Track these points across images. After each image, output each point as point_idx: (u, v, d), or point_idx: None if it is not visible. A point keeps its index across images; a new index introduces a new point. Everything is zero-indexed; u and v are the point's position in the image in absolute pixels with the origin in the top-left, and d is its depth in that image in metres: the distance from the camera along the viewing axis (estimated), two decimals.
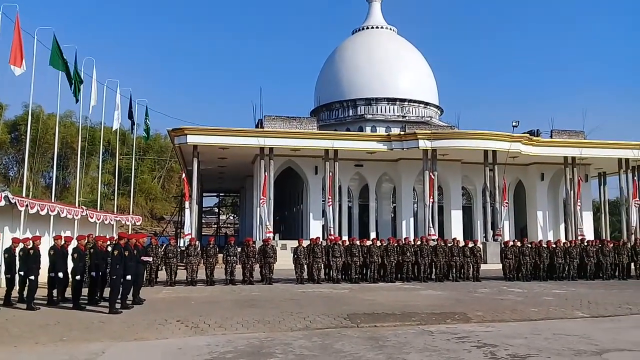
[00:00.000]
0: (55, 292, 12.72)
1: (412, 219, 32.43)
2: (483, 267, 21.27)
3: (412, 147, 29.03)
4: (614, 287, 17.62)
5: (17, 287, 12.81)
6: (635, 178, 32.93)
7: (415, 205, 33.08)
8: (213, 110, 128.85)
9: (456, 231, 31.24)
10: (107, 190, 48.45)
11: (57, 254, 12.61)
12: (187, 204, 27.96)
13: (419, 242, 20.17)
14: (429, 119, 39.36)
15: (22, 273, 12.43)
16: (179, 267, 18.09)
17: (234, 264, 18.03)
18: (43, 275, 12.62)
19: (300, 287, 16.94)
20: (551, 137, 31.89)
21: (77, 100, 21.58)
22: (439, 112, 41.89)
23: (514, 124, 30.44)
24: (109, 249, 13.27)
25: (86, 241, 13.37)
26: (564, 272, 20.42)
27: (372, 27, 43.09)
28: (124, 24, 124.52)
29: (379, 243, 19.53)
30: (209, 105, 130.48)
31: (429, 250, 19.49)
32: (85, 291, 12.79)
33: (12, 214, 15.31)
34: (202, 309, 11.89)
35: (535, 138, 30.96)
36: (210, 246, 18.28)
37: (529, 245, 20.68)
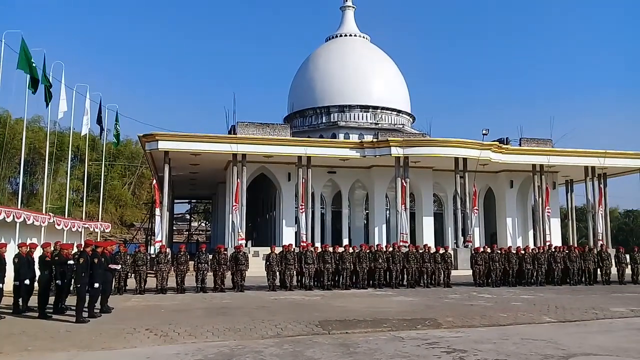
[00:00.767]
0: (20, 300, 12.43)
1: (384, 226, 32.63)
2: (454, 273, 21.52)
3: (384, 155, 29.26)
4: (581, 293, 17.98)
5: None
6: (601, 185, 33.85)
7: (387, 212, 33.30)
8: (185, 116, 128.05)
9: (428, 238, 31.50)
10: (76, 196, 47.58)
11: (22, 262, 12.34)
12: (157, 211, 27.58)
13: (390, 249, 20.32)
14: (401, 126, 39.82)
15: None
16: (148, 275, 17.86)
17: (205, 272, 17.85)
18: (8, 284, 12.31)
19: (272, 294, 16.88)
20: (520, 145, 32.49)
21: (47, 105, 21.20)
22: (411, 119, 42.39)
23: (484, 132, 30.96)
24: (76, 256, 13.00)
25: (52, 248, 13.09)
26: (532, 277, 20.79)
27: (346, 35, 43.53)
28: (94, 28, 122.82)
29: (351, 250, 19.55)
30: (182, 111, 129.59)
31: (400, 256, 19.63)
32: (51, 300, 12.51)
33: None
34: (172, 317, 11.73)
35: (504, 146, 31.53)
36: (181, 253, 18.04)
37: (499, 252, 20.99)
